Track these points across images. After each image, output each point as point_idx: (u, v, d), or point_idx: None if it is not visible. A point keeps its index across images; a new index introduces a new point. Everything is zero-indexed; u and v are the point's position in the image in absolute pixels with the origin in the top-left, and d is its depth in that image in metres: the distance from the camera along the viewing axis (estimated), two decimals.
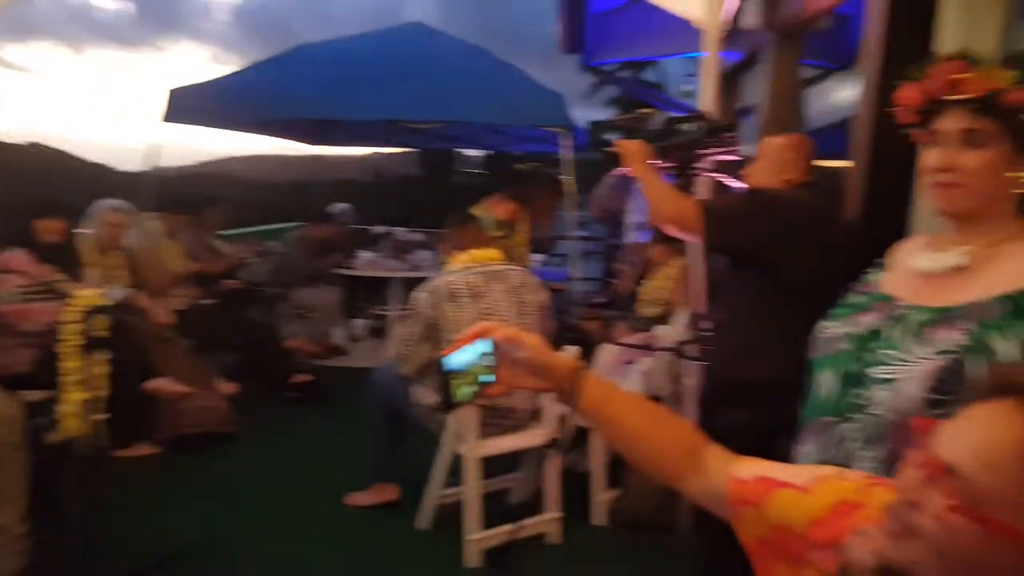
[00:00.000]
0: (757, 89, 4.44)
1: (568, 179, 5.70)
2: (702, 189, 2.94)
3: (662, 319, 4.47)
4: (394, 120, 7.33)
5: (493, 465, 3.64)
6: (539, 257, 8.11)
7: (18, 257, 3.93)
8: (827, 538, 0.99)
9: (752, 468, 1.12)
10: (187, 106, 6.02)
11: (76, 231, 4.54)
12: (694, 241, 2.89)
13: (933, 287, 1.36)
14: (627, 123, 3.12)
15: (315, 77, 6.05)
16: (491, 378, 1.15)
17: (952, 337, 1.27)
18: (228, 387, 4.65)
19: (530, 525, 3.32)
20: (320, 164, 9.50)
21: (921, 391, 1.27)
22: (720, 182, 3.09)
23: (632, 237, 5.57)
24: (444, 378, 1.09)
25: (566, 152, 5.86)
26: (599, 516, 3.59)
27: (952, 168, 1.31)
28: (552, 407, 3.36)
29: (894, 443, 1.31)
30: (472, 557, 3.17)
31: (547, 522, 3.39)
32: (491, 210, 4.96)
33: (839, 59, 6.37)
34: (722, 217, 2.32)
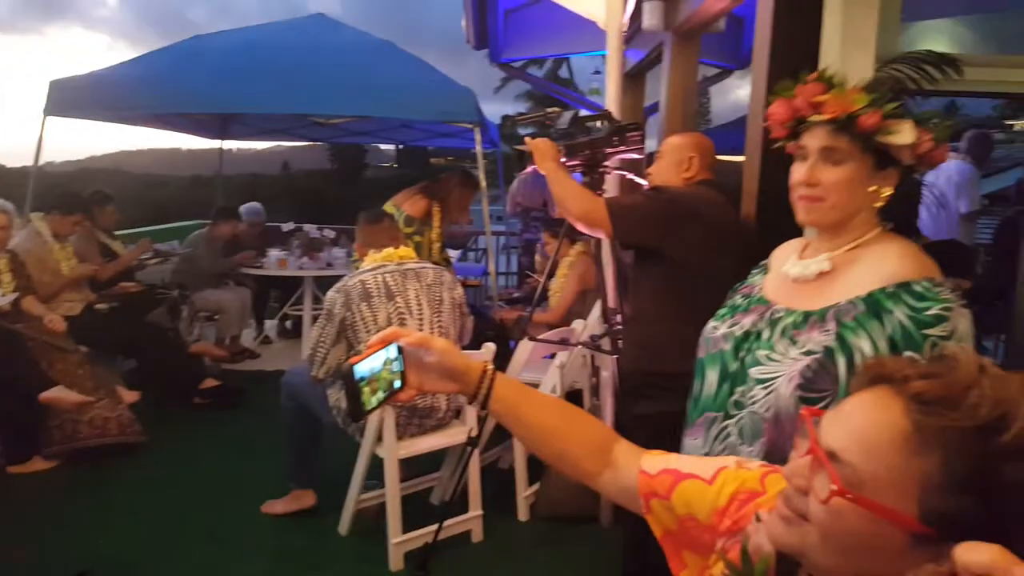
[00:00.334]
0: (660, 88, 4.55)
1: (481, 174, 5.71)
2: (610, 186, 3.01)
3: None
4: (300, 114, 7.20)
5: (416, 465, 3.65)
6: (455, 253, 8.11)
7: None
8: (730, 526, 1.04)
9: (659, 461, 1.16)
10: (72, 99, 5.75)
11: None
12: (602, 237, 2.96)
13: (801, 291, 1.46)
14: (536, 120, 3.18)
15: (214, 69, 5.85)
16: (400, 383, 1.15)
17: (817, 338, 1.37)
18: (130, 395, 4.46)
19: (453, 524, 3.32)
20: (222, 158, 9.21)
21: (791, 390, 1.36)
22: (630, 180, 3.17)
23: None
24: (353, 386, 1.08)
25: (479, 147, 5.86)
26: (523, 511, 3.63)
27: (815, 183, 1.41)
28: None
29: (771, 439, 1.40)
30: (396, 560, 3.16)
31: (470, 520, 3.40)
32: (403, 206, 4.94)
33: (737, 59, 6.59)
34: (626, 214, 2.41)
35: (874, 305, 1.34)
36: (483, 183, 5.67)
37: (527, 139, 2.77)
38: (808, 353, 1.37)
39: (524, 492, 3.63)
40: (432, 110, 5.98)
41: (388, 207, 4.88)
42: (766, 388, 1.41)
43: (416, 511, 3.39)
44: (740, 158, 2.71)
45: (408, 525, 3.21)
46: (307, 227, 7.48)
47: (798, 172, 1.44)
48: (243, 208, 7.21)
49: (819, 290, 1.44)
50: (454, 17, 7.36)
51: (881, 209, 1.46)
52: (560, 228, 4.95)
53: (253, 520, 3.54)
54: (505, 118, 3.17)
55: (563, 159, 2.79)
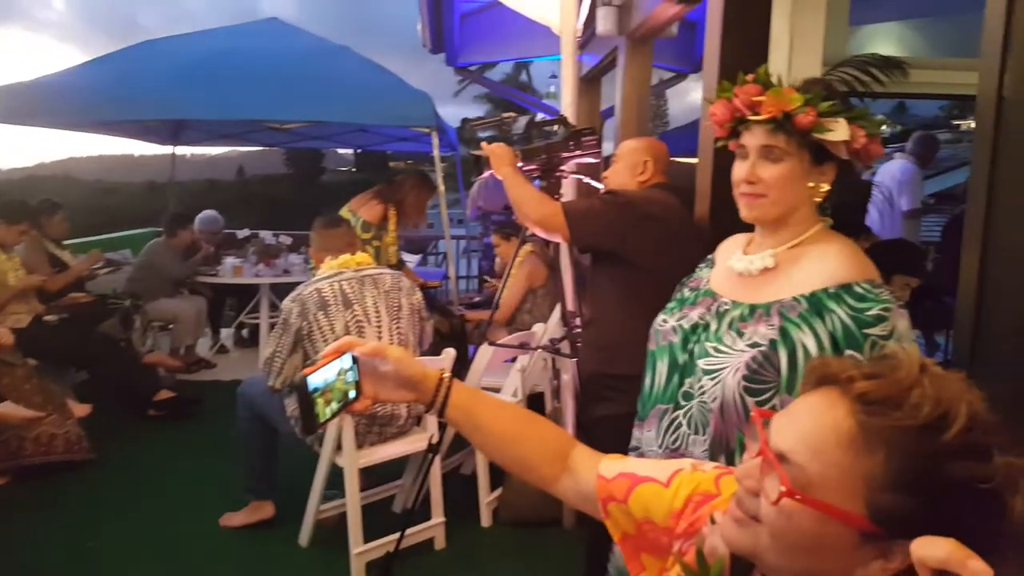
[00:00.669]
0: (615, 92, 4.60)
1: (439, 178, 5.70)
2: (568, 191, 3.02)
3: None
4: (254, 119, 7.12)
5: (378, 473, 3.63)
6: (414, 257, 8.09)
7: None
8: (686, 528, 1.05)
9: (616, 466, 1.17)
10: (18, 106, 5.65)
11: None
12: (560, 241, 2.97)
13: (746, 285, 1.51)
14: (492, 125, 3.18)
15: (165, 75, 5.78)
16: (355, 394, 1.15)
17: (762, 331, 1.41)
18: (81, 409, 4.34)
19: (416, 532, 3.30)
20: (176, 164, 9.06)
21: (737, 381, 1.40)
22: (587, 184, 3.19)
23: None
24: (306, 398, 1.07)
25: (437, 150, 5.85)
26: (486, 517, 3.62)
27: (755, 180, 1.45)
28: None
29: (719, 429, 1.44)
30: (357, 571, 3.13)
31: (432, 528, 3.39)
32: (359, 211, 4.90)
33: (691, 63, 6.67)
34: (583, 218, 2.42)
35: (816, 304, 1.38)
36: (441, 187, 5.65)
37: (483, 144, 2.78)
38: (754, 345, 1.41)
39: (487, 498, 3.62)
40: (388, 114, 5.95)
41: (344, 212, 4.84)
42: (713, 379, 1.45)
43: (378, 520, 3.36)
44: (696, 160, 2.74)
45: (370, 534, 3.18)
46: (263, 233, 7.38)
47: (739, 170, 1.48)
48: (200, 216, 7.10)
49: (763, 284, 1.48)
50: (411, 21, 7.34)
51: (832, 211, 1.50)
52: (510, 230, 4.97)
53: (212, 533, 3.49)
54: (464, 121, 3.17)
55: (520, 164, 2.79)
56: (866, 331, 1.33)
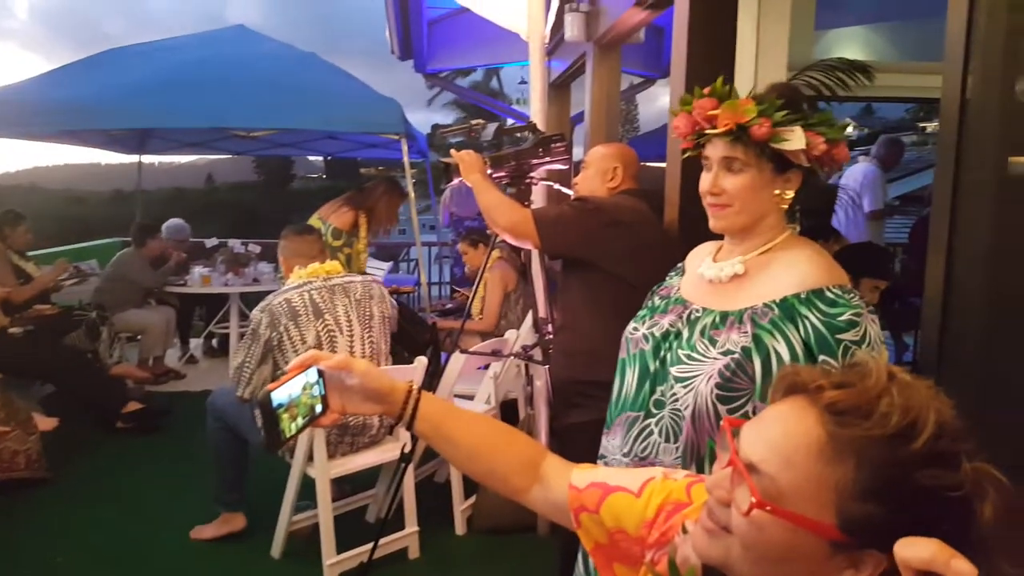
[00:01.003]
0: (584, 97, 4.62)
1: (409, 184, 5.68)
2: (538, 197, 3.02)
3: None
4: (221, 127, 7.06)
5: (350, 483, 3.61)
6: (386, 264, 8.05)
7: None
8: (658, 538, 1.04)
9: (587, 475, 1.16)
10: None
11: None
12: (530, 248, 2.97)
13: (717, 292, 1.51)
14: (462, 131, 3.17)
15: (131, 83, 5.70)
16: (321, 408, 1.13)
17: (735, 338, 1.41)
18: (47, 422, 4.24)
19: (389, 542, 3.27)
20: (143, 173, 8.96)
21: (710, 388, 1.40)
22: (557, 190, 3.19)
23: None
24: (270, 414, 1.05)
25: (406, 157, 5.83)
26: (460, 525, 3.60)
27: (719, 191, 1.47)
28: None
29: (690, 436, 1.44)
30: None
31: (406, 537, 3.36)
32: (329, 219, 4.88)
33: (659, 68, 6.71)
34: (552, 225, 2.42)
35: (788, 310, 1.39)
36: (411, 193, 5.64)
37: (452, 151, 2.78)
38: (727, 353, 1.41)
39: (461, 506, 3.60)
40: (357, 121, 5.93)
41: (314, 220, 4.82)
42: (686, 386, 1.44)
43: (351, 530, 3.33)
44: (663, 164, 2.76)
45: (343, 545, 3.15)
46: (232, 242, 7.32)
47: (704, 181, 1.50)
48: (166, 224, 7.02)
49: (734, 291, 1.49)
50: (380, 28, 7.32)
51: (800, 215, 1.51)
52: (477, 237, 4.97)
53: (182, 546, 3.43)
54: (434, 128, 3.18)
55: (489, 170, 2.79)
56: (839, 336, 1.34)
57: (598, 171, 2.69)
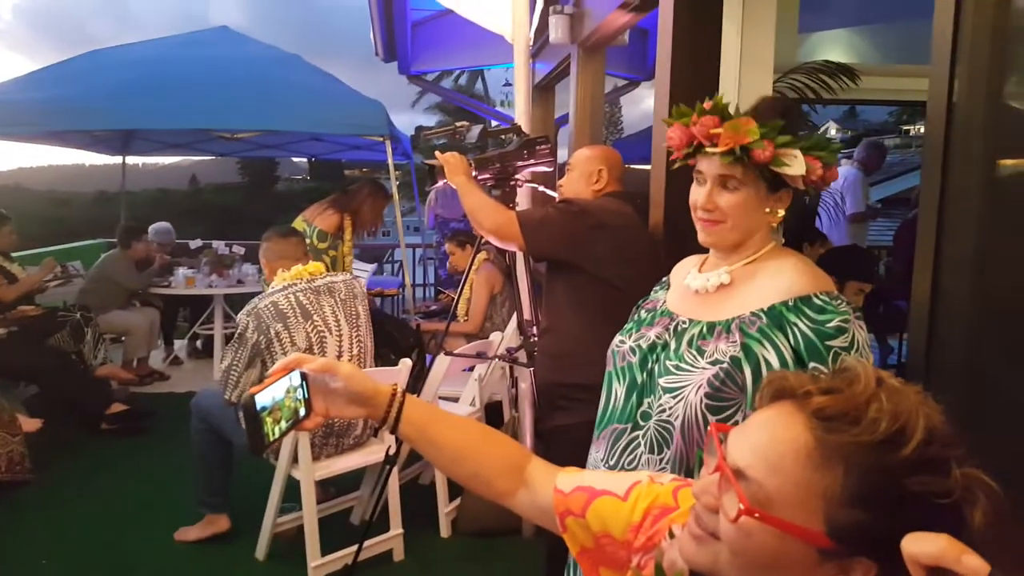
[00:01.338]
0: (569, 100, 4.62)
1: (393, 186, 5.66)
2: (522, 200, 3.02)
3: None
4: (205, 129, 7.03)
5: (335, 485, 3.59)
6: (371, 266, 8.03)
7: None
8: (645, 542, 1.04)
9: (573, 479, 1.15)
10: None
11: None
12: (515, 250, 2.96)
13: (703, 303, 1.51)
14: (446, 134, 3.17)
15: (114, 84, 5.66)
16: (305, 411, 1.12)
17: (723, 348, 1.41)
18: (31, 424, 4.20)
19: (374, 544, 3.26)
20: (127, 174, 8.89)
21: (699, 398, 1.40)
22: (542, 192, 3.19)
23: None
24: (254, 417, 1.04)
25: (391, 159, 5.81)
26: (445, 528, 3.59)
27: (712, 207, 1.46)
28: None
29: (680, 447, 1.43)
30: None
31: (391, 539, 3.35)
32: (314, 221, 4.86)
33: (644, 70, 6.73)
34: (537, 228, 2.41)
35: (777, 318, 1.38)
36: (396, 195, 5.62)
37: (437, 153, 2.77)
38: (715, 362, 1.40)
39: (445, 508, 3.59)
40: (341, 123, 5.91)
41: (298, 222, 4.80)
42: (675, 397, 1.43)
43: (336, 532, 3.32)
44: (650, 167, 2.76)
45: (328, 547, 3.14)
46: (216, 243, 7.28)
47: (697, 195, 1.49)
48: (152, 227, 7.01)
49: (720, 302, 1.48)
50: (364, 30, 7.30)
51: (783, 220, 1.51)
52: (464, 238, 4.97)
53: (166, 548, 3.42)
54: (418, 130, 3.16)
55: (474, 173, 2.78)
56: (828, 343, 1.34)
57: (583, 173, 2.69)
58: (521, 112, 3.70)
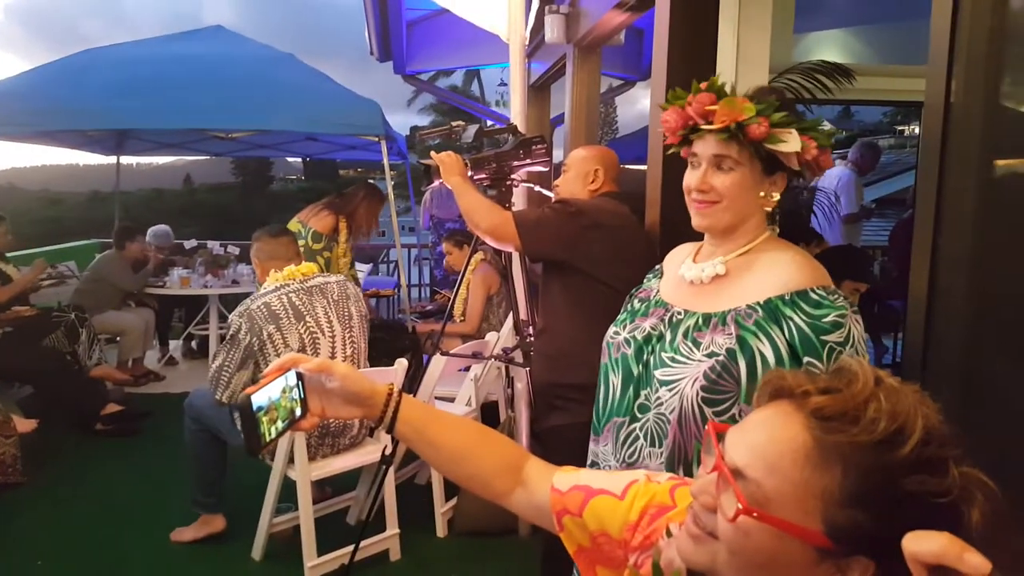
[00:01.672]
0: (564, 99, 4.62)
1: (388, 186, 5.66)
2: (518, 200, 3.02)
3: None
4: (200, 129, 7.00)
5: (331, 485, 3.59)
6: (366, 266, 8.02)
7: None
8: (642, 541, 1.04)
9: (570, 478, 1.15)
10: None
11: None
12: (511, 250, 2.96)
13: (699, 294, 1.51)
14: (442, 133, 3.16)
15: (108, 84, 5.64)
16: (301, 411, 1.12)
17: (719, 340, 1.41)
18: (25, 424, 4.20)
19: (370, 544, 3.25)
20: (121, 174, 8.86)
21: (695, 391, 1.39)
22: (538, 192, 3.19)
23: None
24: (250, 417, 1.03)
25: (386, 159, 5.81)
26: (441, 527, 3.59)
27: (707, 188, 1.46)
28: None
29: (677, 440, 1.43)
30: None
31: (387, 539, 3.34)
32: (309, 222, 4.86)
33: (639, 70, 6.73)
34: (534, 228, 2.41)
35: (773, 312, 1.38)
36: (391, 195, 5.62)
37: (432, 153, 2.76)
38: (711, 355, 1.40)
39: (442, 508, 3.59)
40: (336, 123, 5.90)
41: (293, 224, 4.80)
42: (671, 390, 1.43)
43: (332, 532, 3.32)
44: (645, 167, 2.76)
45: (324, 547, 3.13)
46: (210, 244, 7.27)
47: (691, 177, 1.49)
48: (152, 230, 7.01)
49: (716, 293, 1.48)
50: (359, 29, 7.29)
51: (780, 217, 1.51)
52: (461, 237, 4.97)
53: (162, 549, 3.41)
54: (413, 130, 3.15)
55: (470, 172, 2.78)
56: (824, 338, 1.34)
57: (579, 173, 2.69)
58: (517, 112, 3.71)
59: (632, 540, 1.05)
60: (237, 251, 7.01)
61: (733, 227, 1.48)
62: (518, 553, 3.39)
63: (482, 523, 3.52)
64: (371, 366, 3.59)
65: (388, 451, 3.14)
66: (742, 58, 2.45)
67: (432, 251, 7.97)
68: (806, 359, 1.34)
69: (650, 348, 1.50)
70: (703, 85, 1.45)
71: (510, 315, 3.35)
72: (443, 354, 3.59)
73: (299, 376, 1.12)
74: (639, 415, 1.49)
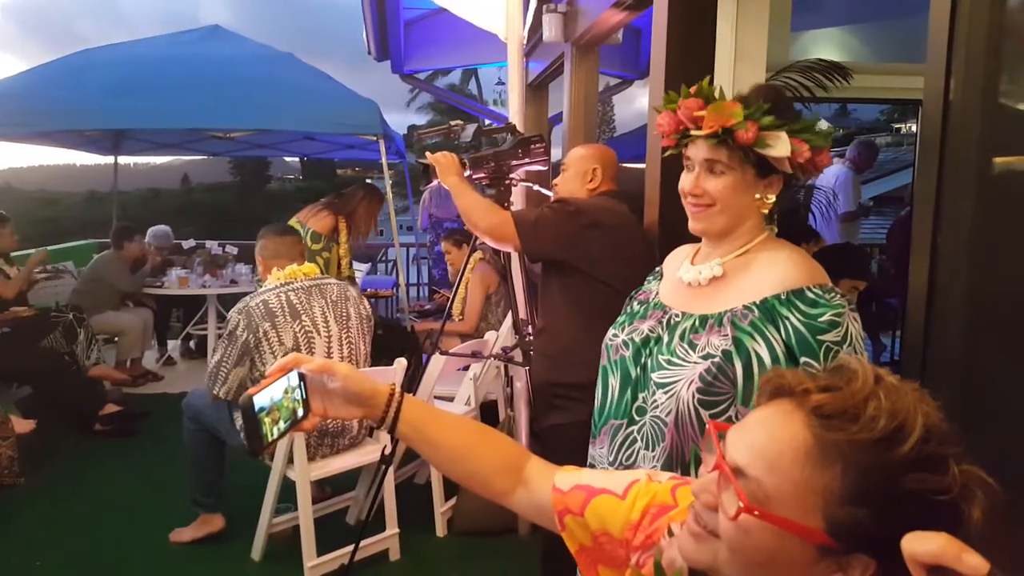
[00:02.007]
0: (562, 98, 4.63)
1: (387, 185, 5.66)
2: (517, 199, 3.01)
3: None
4: (197, 128, 7.00)
5: (330, 485, 3.59)
6: (364, 266, 8.02)
7: None
8: (644, 540, 1.04)
9: (571, 478, 1.15)
10: None
11: None
12: (510, 250, 2.96)
13: (696, 295, 1.50)
14: (440, 133, 3.16)
15: (105, 84, 5.62)
16: (303, 412, 1.12)
17: (715, 342, 1.40)
18: (23, 425, 4.18)
19: (370, 544, 3.25)
20: (118, 174, 8.85)
21: (691, 393, 1.39)
22: (537, 191, 3.19)
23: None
24: (253, 418, 1.03)
25: (385, 158, 5.81)
26: (441, 527, 3.60)
27: (700, 193, 1.46)
28: None
29: (674, 442, 1.43)
30: None
31: (387, 539, 3.35)
32: (309, 223, 4.86)
33: (637, 69, 6.73)
34: (533, 228, 2.41)
35: (769, 311, 1.38)
36: (389, 195, 5.62)
37: (428, 153, 2.76)
38: (707, 356, 1.40)
39: (441, 507, 3.59)
40: (334, 122, 5.90)
41: (292, 224, 4.79)
42: (667, 392, 1.43)
43: (332, 532, 3.32)
44: (644, 165, 2.76)
45: (324, 547, 3.13)
46: (209, 243, 7.27)
47: (685, 181, 1.48)
48: (152, 231, 7.00)
49: (713, 294, 1.48)
50: (356, 28, 7.28)
51: (777, 218, 1.51)
52: (460, 236, 4.97)
53: (161, 549, 3.41)
54: (411, 129, 3.15)
55: (468, 172, 2.78)
56: (820, 338, 1.34)
57: (577, 172, 2.69)
58: (515, 111, 3.71)
59: (634, 539, 1.05)
60: (235, 251, 7.00)
61: (729, 230, 1.48)
62: (518, 552, 3.39)
63: (482, 522, 3.52)
64: (373, 363, 3.59)
65: (387, 451, 3.14)
66: (740, 56, 2.45)
67: (430, 251, 7.98)
68: (803, 359, 1.33)
69: (648, 350, 1.50)
70: (692, 90, 1.44)
71: (509, 314, 3.35)
72: (442, 353, 3.59)
73: (301, 377, 1.12)
74: (637, 418, 1.49)
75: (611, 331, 1.62)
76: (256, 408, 1.04)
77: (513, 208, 2.78)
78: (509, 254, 3.12)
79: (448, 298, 4.08)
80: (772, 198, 1.47)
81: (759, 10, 2.51)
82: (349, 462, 3.34)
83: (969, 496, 0.69)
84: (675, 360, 1.43)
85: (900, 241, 5.44)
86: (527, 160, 2.89)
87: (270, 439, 1.06)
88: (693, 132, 1.42)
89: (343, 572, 3.04)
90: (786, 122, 1.39)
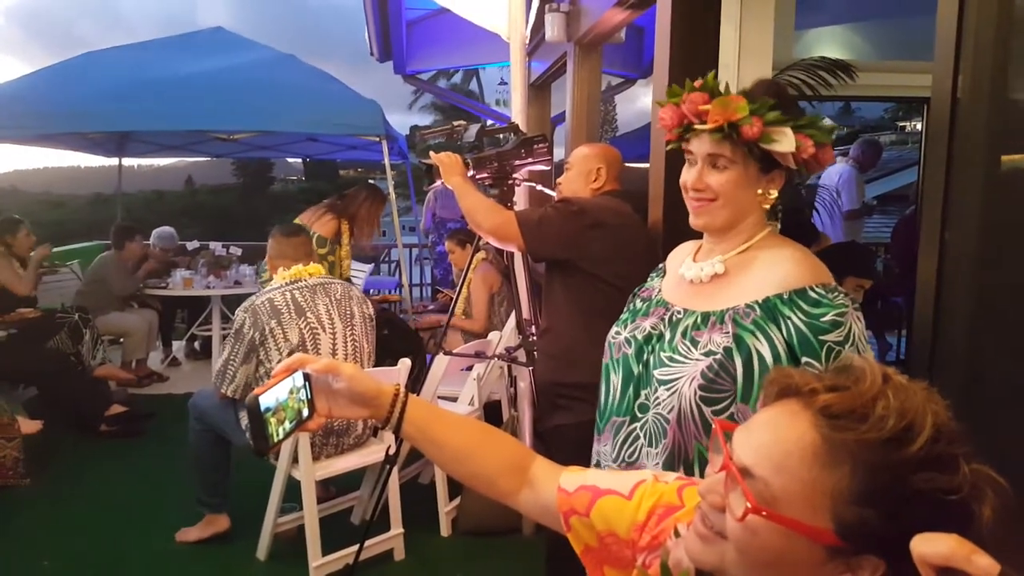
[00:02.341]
0: (565, 98, 4.62)
1: (390, 186, 5.66)
2: (520, 199, 3.01)
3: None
4: (201, 130, 7.01)
5: (335, 485, 3.59)
6: (367, 266, 8.03)
7: None
8: (650, 541, 1.03)
9: (577, 478, 1.15)
10: None
11: None
12: (514, 250, 2.96)
13: (698, 293, 1.50)
14: (443, 133, 3.16)
15: (110, 86, 5.66)
16: (308, 412, 1.12)
17: (717, 339, 1.40)
18: (30, 425, 4.20)
19: (374, 544, 3.25)
20: (123, 175, 8.87)
21: (693, 390, 1.39)
22: (540, 191, 3.18)
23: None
24: (259, 418, 1.03)
25: (387, 159, 5.81)
26: (445, 527, 3.59)
27: (702, 187, 1.45)
28: None
29: (676, 439, 1.42)
30: None
31: (391, 539, 3.35)
32: (313, 226, 4.86)
33: (640, 68, 6.72)
34: (536, 228, 2.40)
35: (771, 310, 1.37)
36: (392, 195, 5.62)
37: (431, 153, 2.76)
38: (708, 354, 1.39)
39: (445, 507, 3.59)
40: (337, 123, 5.90)
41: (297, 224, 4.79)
42: (669, 389, 1.42)
43: (337, 532, 3.32)
44: (646, 165, 2.75)
45: (329, 546, 3.13)
46: (213, 245, 7.28)
47: (687, 175, 1.48)
48: (156, 232, 7.03)
49: (715, 291, 1.47)
50: (358, 29, 7.28)
51: (781, 215, 1.50)
52: (464, 236, 4.98)
53: (167, 549, 3.41)
54: (414, 129, 3.15)
55: (471, 172, 2.77)
56: (822, 338, 1.33)
57: (581, 172, 2.68)
58: (518, 111, 3.70)
59: (640, 540, 1.04)
60: (239, 252, 7.02)
61: (730, 225, 1.47)
62: (522, 552, 3.38)
63: (486, 522, 3.52)
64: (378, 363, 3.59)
65: (392, 451, 3.14)
66: (744, 55, 2.44)
67: (432, 251, 7.98)
68: (804, 359, 1.33)
69: (650, 348, 1.49)
70: (697, 84, 1.43)
71: (512, 314, 3.35)
72: (446, 353, 3.59)
73: (306, 377, 1.12)
74: (639, 415, 1.49)
75: (614, 328, 1.62)
76: (262, 408, 1.04)
77: (516, 208, 2.78)
78: (512, 254, 3.12)
79: (451, 297, 4.08)
80: (774, 194, 1.46)
81: (763, 8, 2.50)
82: (354, 462, 3.35)
83: (979, 496, 0.69)
84: (677, 357, 1.43)
85: (905, 240, 5.43)
86: (530, 160, 2.89)
87: (276, 439, 1.06)
88: (697, 126, 1.42)
89: (348, 572, 3.04)
90: (791, 117, 1.38)
